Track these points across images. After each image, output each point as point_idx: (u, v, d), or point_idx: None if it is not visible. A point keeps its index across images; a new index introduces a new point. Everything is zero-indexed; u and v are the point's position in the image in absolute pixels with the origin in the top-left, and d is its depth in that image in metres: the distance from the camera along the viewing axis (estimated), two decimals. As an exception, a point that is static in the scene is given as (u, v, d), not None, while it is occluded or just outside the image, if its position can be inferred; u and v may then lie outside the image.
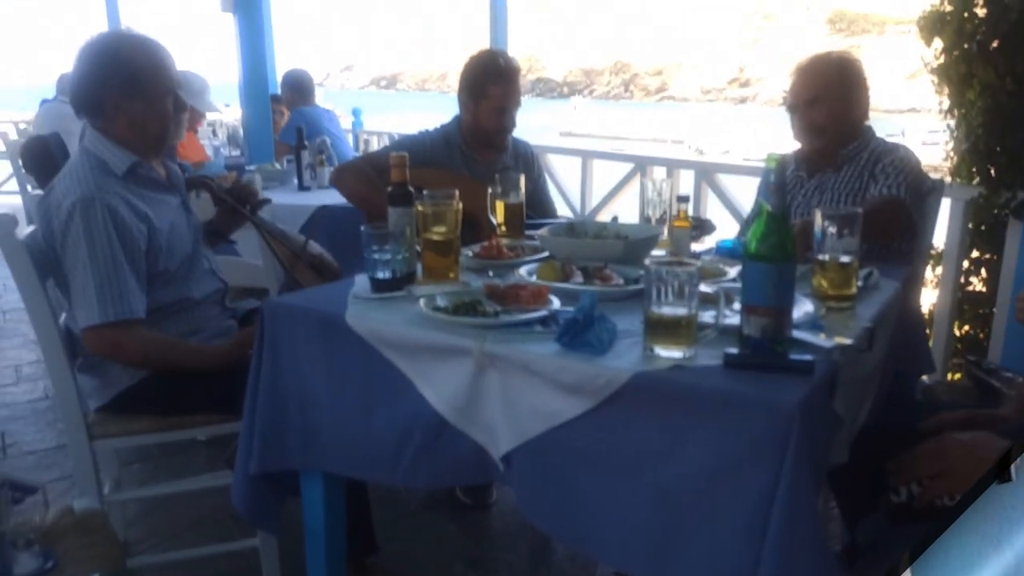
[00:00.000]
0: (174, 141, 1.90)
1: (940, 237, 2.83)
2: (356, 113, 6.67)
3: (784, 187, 1.26)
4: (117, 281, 1.68)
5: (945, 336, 2.94)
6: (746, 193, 3.15)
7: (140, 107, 1.79)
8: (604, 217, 4.63)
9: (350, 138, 6.42)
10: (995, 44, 2.62)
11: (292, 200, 3.15)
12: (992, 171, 2.75)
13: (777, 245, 1.21)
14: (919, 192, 2.12)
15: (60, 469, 2.63)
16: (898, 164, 2.11)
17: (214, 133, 5.48)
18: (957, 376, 2.86)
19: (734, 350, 1.22)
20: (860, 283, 1.61)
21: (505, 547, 2.24)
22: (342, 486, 1.64)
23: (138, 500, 2.33)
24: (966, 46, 2.69)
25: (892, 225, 2.05)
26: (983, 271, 2.97)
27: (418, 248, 1.65)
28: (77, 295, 1.69)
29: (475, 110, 2.52)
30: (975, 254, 2.98)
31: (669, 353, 1.21)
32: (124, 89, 1.77)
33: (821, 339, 1.28)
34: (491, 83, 2.48)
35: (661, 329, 1.22)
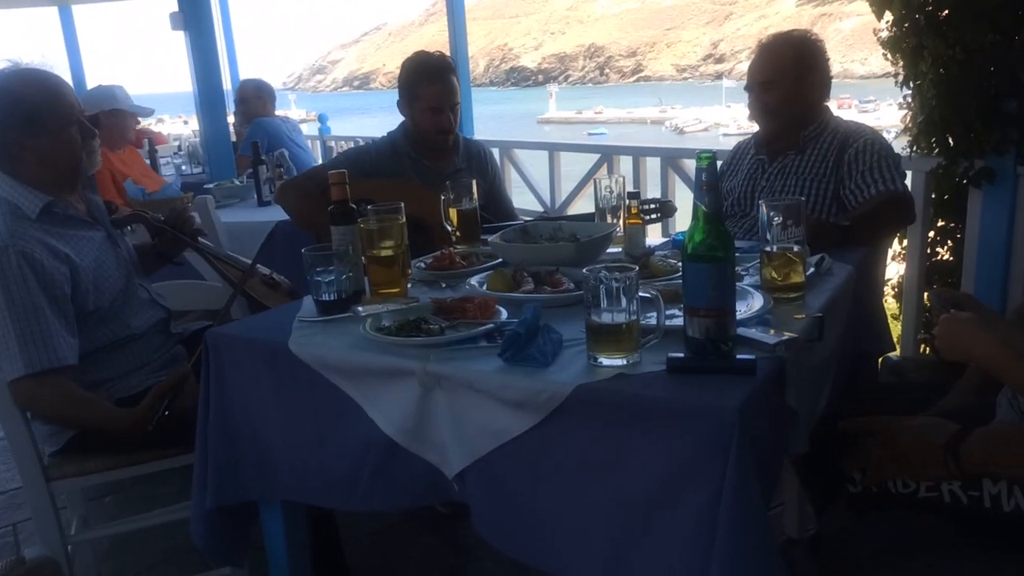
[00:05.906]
0: (90, 171, 1.82)
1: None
2: (322, 119, 6.59)
3: (718, 186, 1.24)
4: (40, 329, 1.63)
5: (915, 309, 2.94)
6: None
7: (46, 143, 1.73)
8: (575, 209, 4.63)
9: (318, 145, 6.35)
10: (944, 14, 2.60)
11: (250, 217, 3.10)
12: (950, 141, 2.74)
13: (714, 245, 1.19)
14: (903, 174, 2.12)
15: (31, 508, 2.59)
16: (879, 152, 2.08)
17: (179, 150, 5.41)
18: (928, 350, 2.86)
19: (679, 354, 1.21)
20: (812, 269, 1.60)
21: (484, 555, 2.23)
22: (302, 513, 1.63)
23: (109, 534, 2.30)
24: (916, 17, 2.67)
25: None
26: (949, 241, 2.97)
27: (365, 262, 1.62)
28: (0, 347, 1.64)
29: (411, 114, 2.49)
30: (940, 223, 2.97)
31: (612, 361, 1.20)
32: (25, 128, 1.71)
33: (768, 335, 1.27)
34: (421, 84, 2.43)
35: (603, 337, 1.20)
